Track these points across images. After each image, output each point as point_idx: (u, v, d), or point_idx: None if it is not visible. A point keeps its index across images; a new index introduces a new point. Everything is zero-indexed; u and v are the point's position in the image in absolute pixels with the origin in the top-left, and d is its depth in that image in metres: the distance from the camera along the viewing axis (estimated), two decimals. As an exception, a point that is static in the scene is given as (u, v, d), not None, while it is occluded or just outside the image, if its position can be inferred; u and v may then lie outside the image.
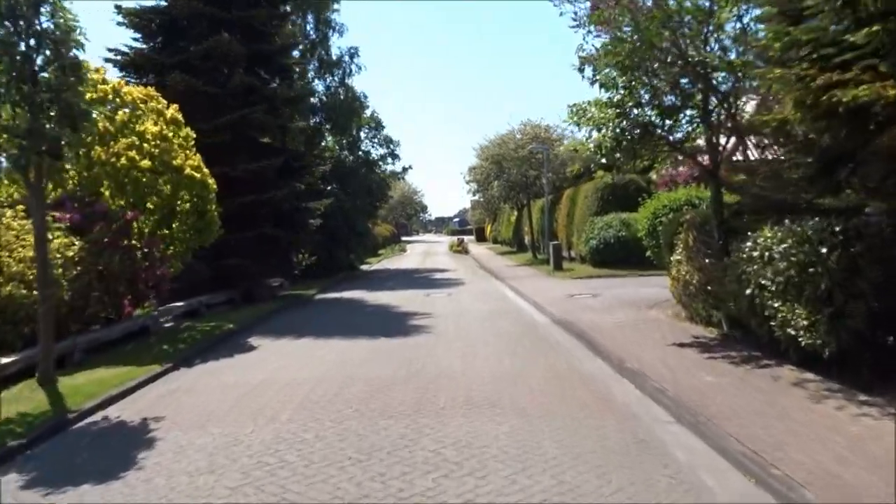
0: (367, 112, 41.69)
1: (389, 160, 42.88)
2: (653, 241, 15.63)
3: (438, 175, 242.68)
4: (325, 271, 32.03)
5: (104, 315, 14.27)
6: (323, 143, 38.33)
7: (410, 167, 44.69)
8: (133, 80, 21.47)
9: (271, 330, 15.60)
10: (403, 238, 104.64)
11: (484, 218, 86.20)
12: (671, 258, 13.86)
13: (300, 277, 29.20)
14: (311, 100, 34.77)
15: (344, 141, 37.96)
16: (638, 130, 11.61)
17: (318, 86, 36.35)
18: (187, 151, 15.20)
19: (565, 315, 15.26)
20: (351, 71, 36.66)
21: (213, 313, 18.39)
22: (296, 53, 34.71)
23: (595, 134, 12.10)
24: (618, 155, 12.16)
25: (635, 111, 11.94)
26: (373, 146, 41.96)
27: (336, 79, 36.65)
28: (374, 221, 70.02)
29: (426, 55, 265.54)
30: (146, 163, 14.13)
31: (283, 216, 22.26)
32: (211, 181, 15.53)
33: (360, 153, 38.79)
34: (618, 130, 11.76)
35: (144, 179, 14.20)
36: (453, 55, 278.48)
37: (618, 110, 11.76)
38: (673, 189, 26.37)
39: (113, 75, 20.94)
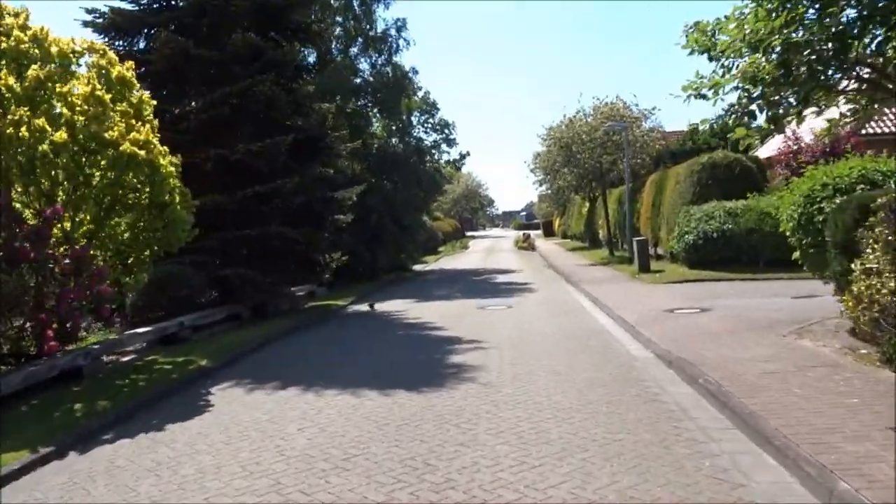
0: (419, 94, 37.17)
1: (445, 147, 38.15)
2: (807, 237, 10.53)
3: (505, 168, 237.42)
4: (370, 274, 27.82)
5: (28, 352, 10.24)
6: (372, 130, 34.09)
7: (468, 154, 38.86)
8: (120, 47, 17.57)
9: (256, 369, 11.20)
10: (468, 233, 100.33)
11: (552, 211, 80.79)
12: (852, 265, 8.78)
13: (340, 282, 25.06)
14: (355, 80, 30.47)
15: (393, 126, 33.47)
16: (830, 47, 6.60)
17: (363, 64, 32.02)
18: (132, 121, 10.88)
19: (675, 346, 10.35)
20: (398, 46, 32.10)
21: (203, 336, 14.23)
22: (338, 31, 30.64)
23: (743, 62, 7.15)
24: (780, 95, 7.17)
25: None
26: (425, 131, 37.37)
27: (383, 56, 32.15)
28: (434, 216, 65.76)
29: (487, 29, 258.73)
30: (62, 135, 9.85)
31: (301, 210, 17.91)
32: (165, 161, 11.16)
33: (412, 139, 34.12)
34: (785, 49, 6.80)
35: (61, 160, 9.92)
36: (520, 29, 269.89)
37: (782, 17, 6.79)
38: (794, 167, 20.95)
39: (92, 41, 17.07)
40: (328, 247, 19.96)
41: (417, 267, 37.84)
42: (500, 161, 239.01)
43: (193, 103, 16.88)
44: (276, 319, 17.11)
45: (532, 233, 67.87)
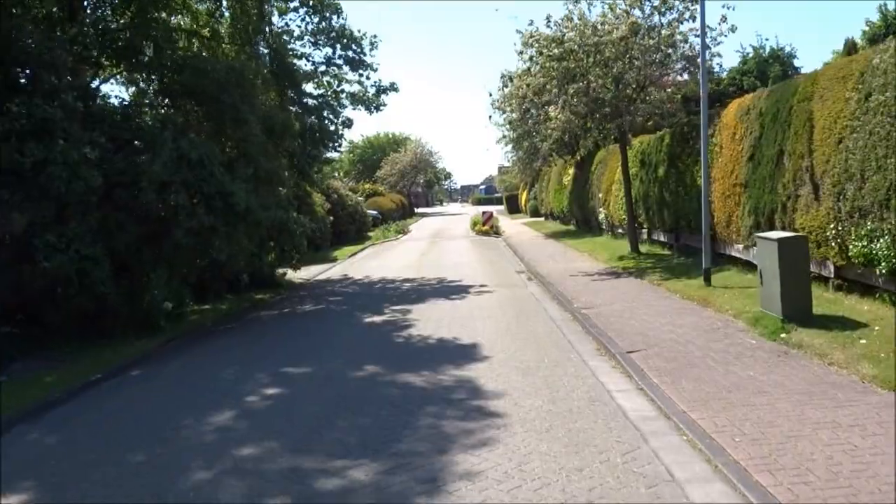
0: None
1: (349, 72, 22.36)
2: None
3: (463, 139, 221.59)
4: (141, 320, 12.53)
5: None
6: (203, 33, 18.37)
7: (393, 87, 22.94)
8: None
9: None
10: (420, 210, 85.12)
11: (516, 183, 65.28)
12: None
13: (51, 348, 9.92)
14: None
15: (240, 24, 17.70)
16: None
17: None
18: None
19: None
20: None
21: None
22: None
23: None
24: None
25: None
26: (314, 44, 21.63)
27: None
28: (370, 190, 50.41)
29: None
30: None
31: None
32: None
33: (267, 49, 18.21)
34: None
35: None
36: None
37: None
38: None
39: None
40: None
41: (311, 271, 22.52)
42: (457, 132, 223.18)
43: None
44: None
45: (495, 209, 52.04)
